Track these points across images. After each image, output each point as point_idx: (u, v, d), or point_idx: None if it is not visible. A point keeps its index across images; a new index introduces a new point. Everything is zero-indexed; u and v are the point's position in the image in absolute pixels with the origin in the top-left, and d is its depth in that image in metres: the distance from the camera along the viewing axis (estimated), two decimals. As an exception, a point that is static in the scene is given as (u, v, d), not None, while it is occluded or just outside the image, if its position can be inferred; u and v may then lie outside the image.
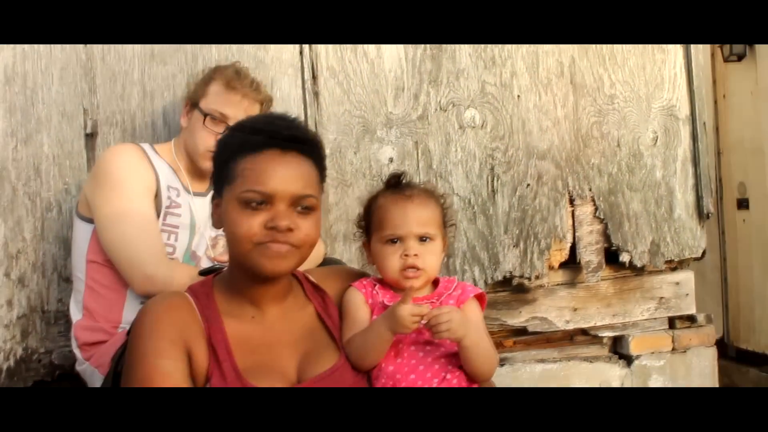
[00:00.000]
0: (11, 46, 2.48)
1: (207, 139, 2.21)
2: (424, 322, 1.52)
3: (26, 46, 2.48)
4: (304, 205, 1.48)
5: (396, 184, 1.70)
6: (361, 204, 1.75)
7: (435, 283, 1.69)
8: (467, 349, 1.55)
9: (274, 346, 1.53)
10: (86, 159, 2.52)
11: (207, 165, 2.21)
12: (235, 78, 2.31)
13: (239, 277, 1.54)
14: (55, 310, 2.49)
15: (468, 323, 1.56)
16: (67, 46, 2.51)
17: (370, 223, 1.69)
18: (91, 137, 2.54)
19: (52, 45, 2.50)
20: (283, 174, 1.47)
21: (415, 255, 1.61)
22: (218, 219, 1.55)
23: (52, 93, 2.51)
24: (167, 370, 1.41)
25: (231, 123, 2.27)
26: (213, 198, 1.58)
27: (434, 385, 1.56)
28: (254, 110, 2.34)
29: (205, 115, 2.26)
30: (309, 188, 1.50)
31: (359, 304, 1.64)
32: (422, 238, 1.63)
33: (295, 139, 1.50)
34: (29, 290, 2.49)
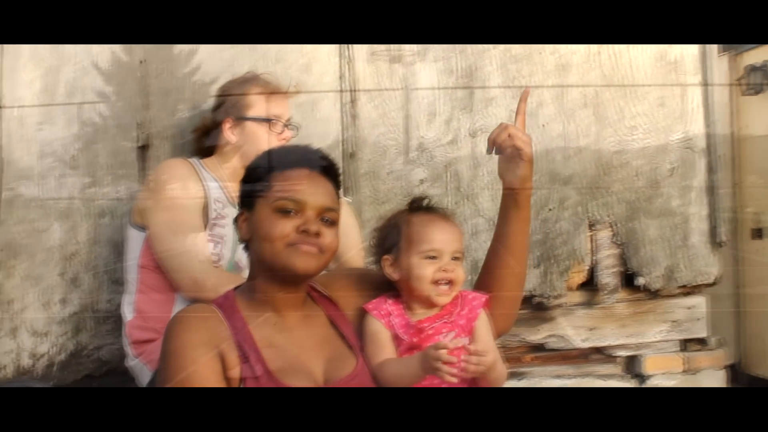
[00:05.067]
0: (72, 62, 2.66)
1: (274, 143, 2.41)
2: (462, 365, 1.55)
3: (87, 64, 2.66)
4: (327, 218, 1.65)
5: (426, 206, 1.81)
6: (381, 223, 1.85)
7: None
8: (488, 371, 1.59)
9: (298, 350, 1.63)
10: (138, 169, 2.69)
11: None
12: (270, 83, 2.51)
13: (263, 285, 1.65)
14: (104, 309, 2.65)
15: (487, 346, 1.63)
16: (125, 64, 2.68)
17: (400, 240, 1.75)
18: (143, 149, 2.70)
19: (110, 63, 2.67)
20: (313, 188, 1.66)
21: (453, 270, 1.70)
22: (247, 230, 1.68)
23: (109, 107, 2.68)
24: (203, 376, 1.51)
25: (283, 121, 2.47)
26: (239, 214, 1.71)
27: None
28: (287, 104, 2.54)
29: (268, 121, 2.44)
30: (333, 203, 1.68)
31: (380, 330, 1.72)
32: (455, 257, 1.72)
33: (321, 161, 1.73)
34: (81, 290, 2.65)
